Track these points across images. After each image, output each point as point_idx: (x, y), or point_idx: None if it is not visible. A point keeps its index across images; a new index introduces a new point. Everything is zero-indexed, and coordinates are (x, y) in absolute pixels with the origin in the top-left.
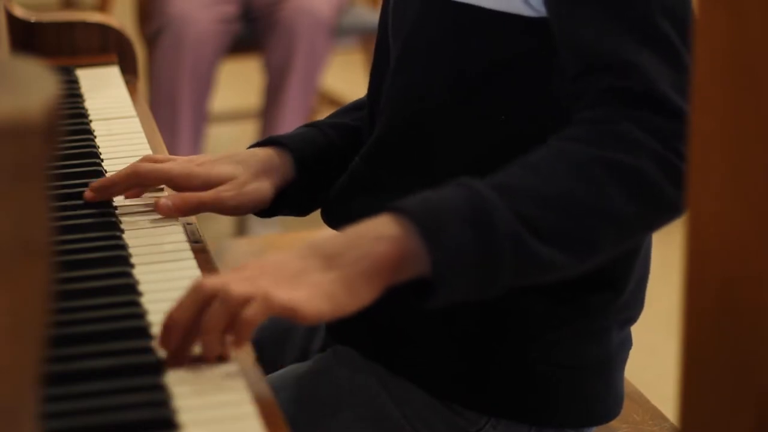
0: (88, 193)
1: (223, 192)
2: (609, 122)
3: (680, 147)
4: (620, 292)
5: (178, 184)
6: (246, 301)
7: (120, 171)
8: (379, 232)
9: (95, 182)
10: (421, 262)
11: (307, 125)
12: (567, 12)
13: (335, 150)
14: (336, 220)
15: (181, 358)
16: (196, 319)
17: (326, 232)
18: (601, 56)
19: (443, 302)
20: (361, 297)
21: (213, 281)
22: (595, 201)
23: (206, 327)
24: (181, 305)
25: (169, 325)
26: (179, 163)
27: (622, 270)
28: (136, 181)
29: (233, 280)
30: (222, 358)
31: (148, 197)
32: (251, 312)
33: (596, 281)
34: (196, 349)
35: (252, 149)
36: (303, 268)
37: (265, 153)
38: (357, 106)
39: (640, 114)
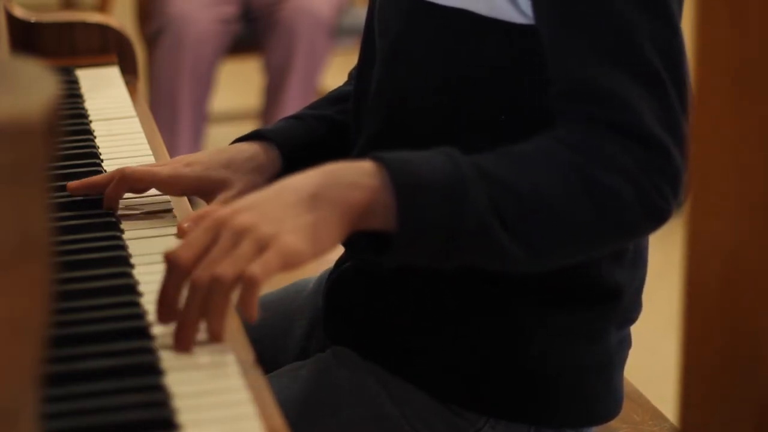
0: (71, 184)
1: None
2: (598, 138)
3: (661, 183)
4: (619, 300)
5: (167, 186)
6: (235, 281)
7: (106, 174)
8: (356, 180)
9: (78, 182)
10: (389, 218)
11: (290, 117)
12: (555, 33)
13: (320, 142)
14: None
15: (186, 342)
16: (199, 303)
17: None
18: (586, 85)
19: (398, 260)
20: (333, 240)
21: (185, 260)
22: (563, 207)
23: (184, 324)
24: (165, 287)
25: (161, 301)
26: (167, 166)
27: (621, 280)
28: (123, 185)
29: (215, 261)
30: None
31: (147, 197)
32: (248, 295)
33: (596, 291)
34: (199, 335)
35: (237, 145)
36: (281, 215)
37: (253, 149)
38: (340, 97)
39: (628, 143)
